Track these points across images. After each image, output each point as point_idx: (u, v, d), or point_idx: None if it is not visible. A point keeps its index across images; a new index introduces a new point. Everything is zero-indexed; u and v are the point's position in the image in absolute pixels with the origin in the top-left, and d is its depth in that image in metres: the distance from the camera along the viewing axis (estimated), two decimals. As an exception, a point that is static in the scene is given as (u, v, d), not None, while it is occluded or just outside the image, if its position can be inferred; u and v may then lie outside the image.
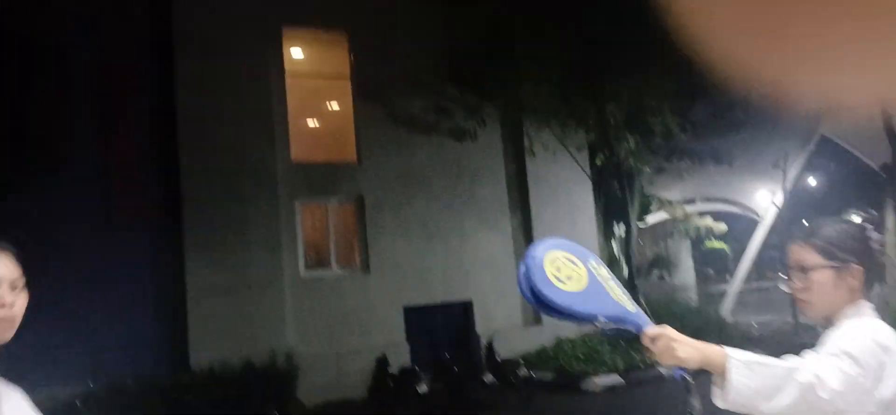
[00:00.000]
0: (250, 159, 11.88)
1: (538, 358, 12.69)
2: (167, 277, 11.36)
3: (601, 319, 1.77)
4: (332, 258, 12.98)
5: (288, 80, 12.74)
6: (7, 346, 1.74)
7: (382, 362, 11.28)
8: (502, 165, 14.56)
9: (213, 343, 10.94)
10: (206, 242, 11.43)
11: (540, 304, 1.79)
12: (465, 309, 13.63)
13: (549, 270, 1.81)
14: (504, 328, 13.22)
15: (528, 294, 1.80)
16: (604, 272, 1.91)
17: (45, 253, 10.27)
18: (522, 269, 1.82)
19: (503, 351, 12.62)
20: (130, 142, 11.65)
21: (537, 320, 13.70)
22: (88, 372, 9.53)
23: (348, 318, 12.38)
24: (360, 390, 11.20)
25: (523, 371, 12.42)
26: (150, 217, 11.50)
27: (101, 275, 10.56)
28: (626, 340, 12.90)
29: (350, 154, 13.14)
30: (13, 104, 10.79)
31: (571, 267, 1.86)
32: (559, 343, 12.99)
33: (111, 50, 11.54)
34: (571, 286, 1.81)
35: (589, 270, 1.87)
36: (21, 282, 1.68)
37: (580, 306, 1.77)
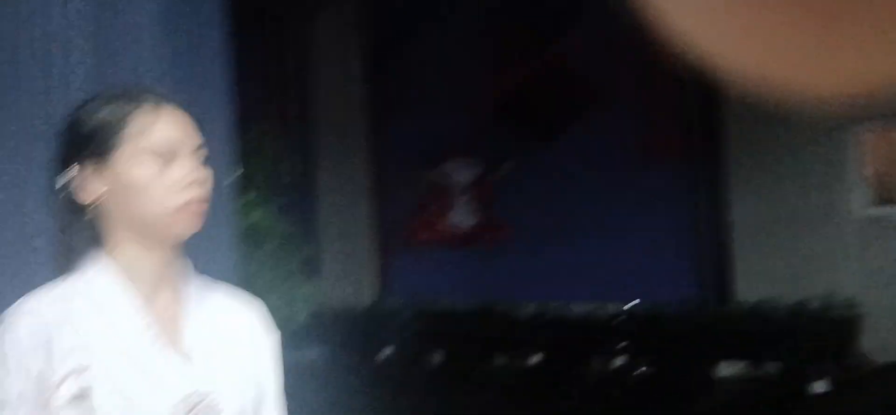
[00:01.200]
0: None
1: None
2: (710, 208, 11.00)
3: None
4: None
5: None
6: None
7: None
8: None
9: (757, 279, 10.18)
10: (752, 174, 10.62)
11: None
12: None
13: None
14: None
15: None
16: None
17: (590, 184, 11.08)
18: None
19: None
20: (668, 75, 11.55)
21: None
22: (631, 293, 9.94)
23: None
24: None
25: None
26: (690, 148, 11.27)
27: (643, 203, 10.86)
28: None
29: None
30: (559, 53, 11.81)
31: None
32: None
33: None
34: None
35: None
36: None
37: None
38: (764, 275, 10.21)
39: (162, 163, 1.15)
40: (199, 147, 1.21)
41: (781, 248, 10.33)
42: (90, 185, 1.17)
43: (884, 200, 10.70)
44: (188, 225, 1.17)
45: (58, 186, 1.20)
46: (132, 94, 1.20)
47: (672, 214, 11.02)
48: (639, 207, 10.89)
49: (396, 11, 12.31)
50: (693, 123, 11.38)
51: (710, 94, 11.10)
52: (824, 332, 9.18)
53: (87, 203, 1.18)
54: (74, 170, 1.18)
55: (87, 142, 1.16)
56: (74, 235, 1.19)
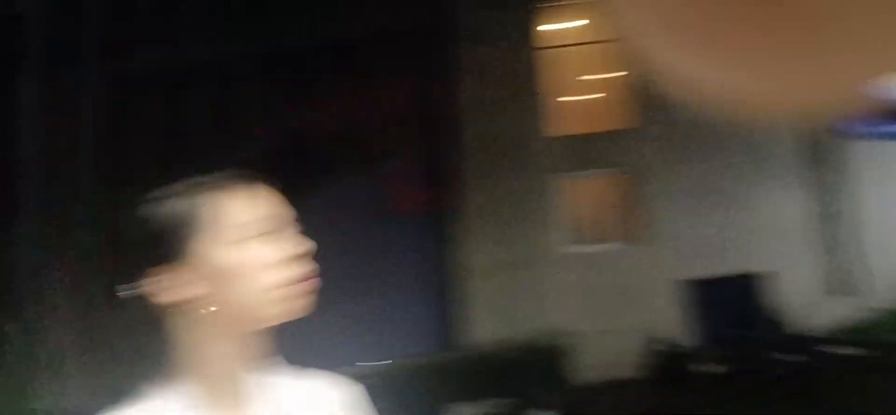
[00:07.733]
0: (512, 136, 12.11)
1: (851, 333, 10.88)
2: (438, 259, 12.18)
3: None
4: (599, 232, 12.58)
5: (545, 54, 12.65)
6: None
7: (654, 341, 10.69)
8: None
9: (481, 322, 11.51)
10: (473, 223, 12.01)
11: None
12: (753, 282, 12.13)
13: None
14: (802, 302, 11.56)
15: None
16: None
17: (330, 243, 11.67)
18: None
19: (804, 327, 11.14)
20: (399, 132, 12.71)
21: (845, 291, 11.75)
22: (376, 352, 10.58)
23: (618, 294, 11.91)
24: (631, 371, 10.78)
25: (829, 348, 10.82)
26: (421, 204, 12.41)
27: (380, 261, 11.70)
28: None
29: (616, 123, 12.54)
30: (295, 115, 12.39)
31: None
32: (879, 315, 10.96)
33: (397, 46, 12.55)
34: None
35: None
36: None
37: None
38: (486, 316, 11.56)
39: (257, 243, 0.99)
40: (295, 221, 1.06)
41: (500, 289, 11.73)
42: (170, 286, 0.98)
43: (580, 239, 12.47)
44: (295, 306, 1.00)
45: (130, 292, 1.00)
46: (207, 181, 1.03)
47: (408, 268, 11.94)
48: (377, 264, 11.61)
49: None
50: (422, 180, 12.57)
51: (436, 148, 12.37)
52: (538, 362, 10.52)
53: (166, 306, 0.99)
54: (151, 272, 0.99)
55: (165, 237, 0.98)
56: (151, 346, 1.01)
